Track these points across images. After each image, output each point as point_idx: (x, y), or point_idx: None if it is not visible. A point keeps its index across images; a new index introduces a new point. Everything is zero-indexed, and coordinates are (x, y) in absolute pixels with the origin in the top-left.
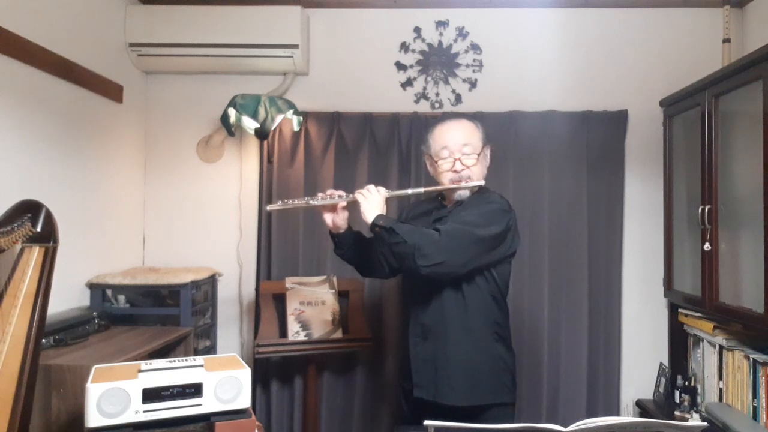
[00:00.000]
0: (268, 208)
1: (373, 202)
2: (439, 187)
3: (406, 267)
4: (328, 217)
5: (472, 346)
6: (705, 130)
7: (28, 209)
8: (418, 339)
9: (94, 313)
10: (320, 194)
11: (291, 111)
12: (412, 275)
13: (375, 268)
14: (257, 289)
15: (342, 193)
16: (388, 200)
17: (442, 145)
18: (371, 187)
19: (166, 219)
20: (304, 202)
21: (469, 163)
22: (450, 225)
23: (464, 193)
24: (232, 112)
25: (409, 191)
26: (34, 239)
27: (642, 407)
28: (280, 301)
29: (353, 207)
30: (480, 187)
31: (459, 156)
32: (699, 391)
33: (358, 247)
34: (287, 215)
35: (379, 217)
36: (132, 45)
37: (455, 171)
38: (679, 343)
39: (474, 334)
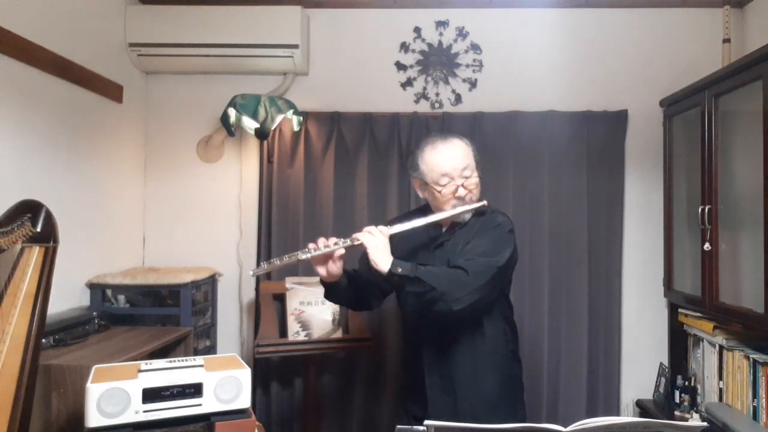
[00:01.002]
0: (252, 273)
1: (381, 246)
2: (442, 215)
3: (434, 311)
4: (322, 269)
5: (490, 370)
6: (705, 130)
7: (28, 209)
8: (434, 369)
9: (94, 313)
10: (311, 245)
11: (291, 111)
12: (435, 316)
13: (368, 303)
14: (257, 289)
15: (335, 239)
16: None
17: (440, 172)
18: (372, 228)
19: (166, 219)
20: (293, 257)
21: (472, 186)
22: (472, 261)
23: (466, 216)
24: (232, 112)
25: (412, 225)
26: (34, 239)
27: (642, 407)
28: (280, 301)
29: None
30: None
31: (461, 182)
32: (699, 391)
33: (353, 288)
34: (288, 212)
35: (395, 264)
36: (132, 45)
37: (459, 197)
38: (679, 343)
39: (492, 360)
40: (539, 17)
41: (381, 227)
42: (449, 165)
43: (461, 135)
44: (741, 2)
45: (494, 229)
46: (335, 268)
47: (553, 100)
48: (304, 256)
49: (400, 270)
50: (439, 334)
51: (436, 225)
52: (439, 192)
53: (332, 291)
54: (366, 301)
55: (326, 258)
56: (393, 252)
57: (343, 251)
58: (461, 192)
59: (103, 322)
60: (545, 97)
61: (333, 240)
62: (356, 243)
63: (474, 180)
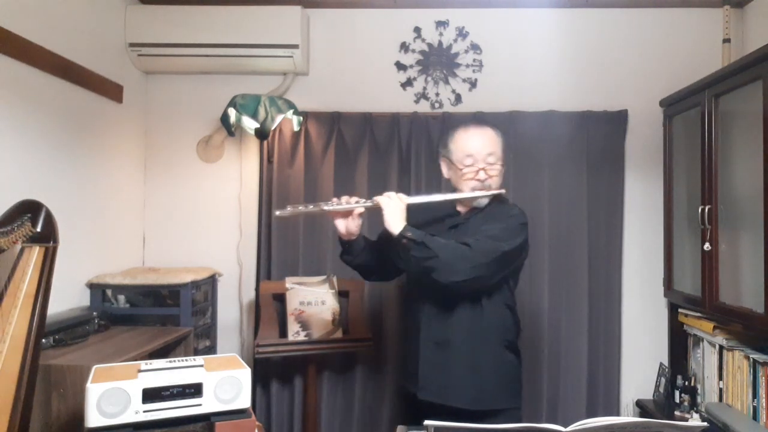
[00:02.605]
0: (277, 213)
1: (397, 210)
2: (460, 195)
3: (432, 279)
4: (341, 224)
5: (484, 354)
6: (705, 130)
7: (28, 209)
8: (430, 344)
9: (94, 313)
10: (334, 199)
11: (291, 111)
12: (434, 287)
13: (382, 272)
14: (257, 289)
15: (358, 199)
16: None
17: (466, 152)
18: (392, 194)
19: (166, 219)
20: (317, 207)
21: (494, 173)
22: (479, 240)
23: (483, 201)
24: (232, 112)
25: (430, 198)
26: (34, 239)
27: (642, 407)
28: (280, 301)
29: (369, 213)
30: (498, 196)
31: (483, 165)
32: (699, 391)
33: (368, 253)
34: None
35: (406, 228)
36: (132, 45)
37: (479, 180)
38: (679, 343)
39: (488, 342)
40: (539, 17)
41: (401, 194)
42: (475, 147)
43: (495, 126)
44: (741, 2)
45: (508, 218)
46: (353, 225)
47: (553, 100)
48: (327, 207)
49: (409, 234)
50: (439, 303)
51: (455, 208)
52: (461, 170)
53: (348, 250)
54: (376, 270)
55: (346, 214)
56: (409, 223)
57: (362, 210)
58: (482, 175)
59: (103, 322)
60: (545, 97)
61: (355, 199)
62: (375, 204)
63: (497, 168)
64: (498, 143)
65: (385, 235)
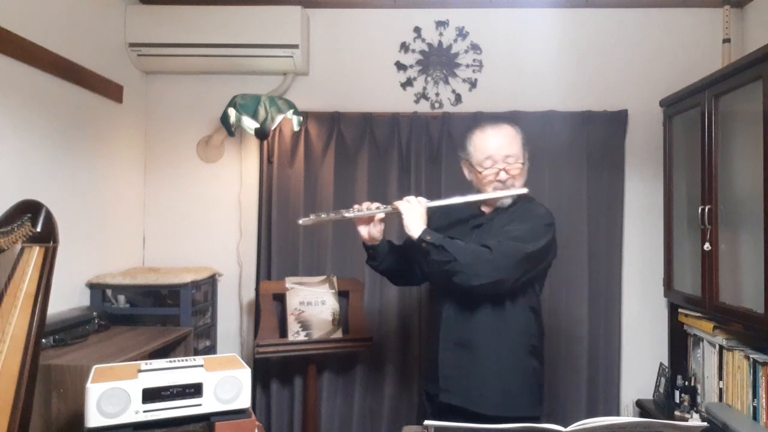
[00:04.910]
0: (300, 222)
1: (416, 214)
2: (481, 196)
3: (454, 283)
4: (363, 230)
5: (507, 358)
6: (705, 130)
7: (28, 209)
8: (450, 345)
9: (94, 313)
10: (356, 206)
11: (291, 111)
12: (456, 289)
13: (409, 276)
14: (257, 289)
15: (378, 204)
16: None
17: (485, 154)
18: (411, 198)
19: (166, 219)
20: (338, 215)
21: (515, 172)
22: (500, 242)
23: (507, 201)
24: (232, 112)
25: (450, 201)
26: (34, 239)
27: (642, 407)
28: (280, 301)
29: (390, 218)
30: (522, 195)
31: (503, 165)
32: (699, 391)
33: (393, 257)
34: (288, 212)
35: (425, 231)
36: (132, 45)
37: (500, 181)
38: (679, 343)
39: (510, 346)
40: (539, 17)
41: (420, 198)
42: (494, 148)
43: (513, 122)
44: (741, 2)
45: (533, 218)
46: (375, 231)
47: (553, 100)
48: (348, 215)
49: (428, 238)
50: (459, 305)
51: (479, 208)
52: (481, 173)
53: (373, 255)
54: (403, 273)
55: (368, 220)
56: (432, 227)
57: (382, 215)
58: (502, 176)
59: (103, 322)
60: (545, 97)
61: (375, 204)
62: (395, 210)
63: (517, 166)
64: (517, 140)
65: (407, 238)
